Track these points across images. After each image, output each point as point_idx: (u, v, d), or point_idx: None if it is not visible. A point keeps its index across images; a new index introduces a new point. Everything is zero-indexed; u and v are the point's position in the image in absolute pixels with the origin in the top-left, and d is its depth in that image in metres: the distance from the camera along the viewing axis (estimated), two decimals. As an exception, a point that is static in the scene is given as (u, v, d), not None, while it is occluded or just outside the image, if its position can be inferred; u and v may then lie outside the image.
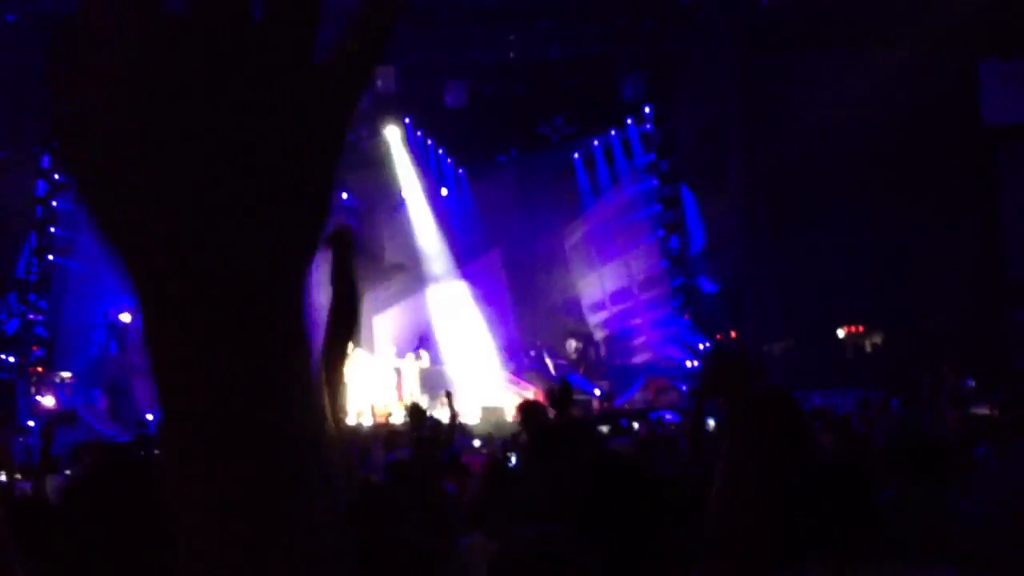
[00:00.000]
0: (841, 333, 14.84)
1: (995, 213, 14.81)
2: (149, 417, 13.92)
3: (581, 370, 17.73)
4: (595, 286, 19.30)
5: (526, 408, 5.74)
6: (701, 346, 15.99)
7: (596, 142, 18.77)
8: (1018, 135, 14.06)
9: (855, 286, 14.75)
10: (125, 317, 17.48)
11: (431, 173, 19.44)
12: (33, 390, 15.72)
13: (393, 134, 18.91)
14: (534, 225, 19.14)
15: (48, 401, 15.67)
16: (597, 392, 16.47)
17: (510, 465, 6.02)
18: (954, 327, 14.04)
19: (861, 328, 15.03)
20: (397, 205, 19.82)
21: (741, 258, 15.36)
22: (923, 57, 14.15)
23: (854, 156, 14.52)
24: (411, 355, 16.96)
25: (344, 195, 19.51)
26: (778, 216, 14.91)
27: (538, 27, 16.45)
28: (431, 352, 17.25)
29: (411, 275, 19.55)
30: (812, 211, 14.88)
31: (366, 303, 17.01)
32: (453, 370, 17.66)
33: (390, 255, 19.50)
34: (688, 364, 16.11)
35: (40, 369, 16.47)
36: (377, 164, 19.20)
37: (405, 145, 19.16)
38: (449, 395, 8.15)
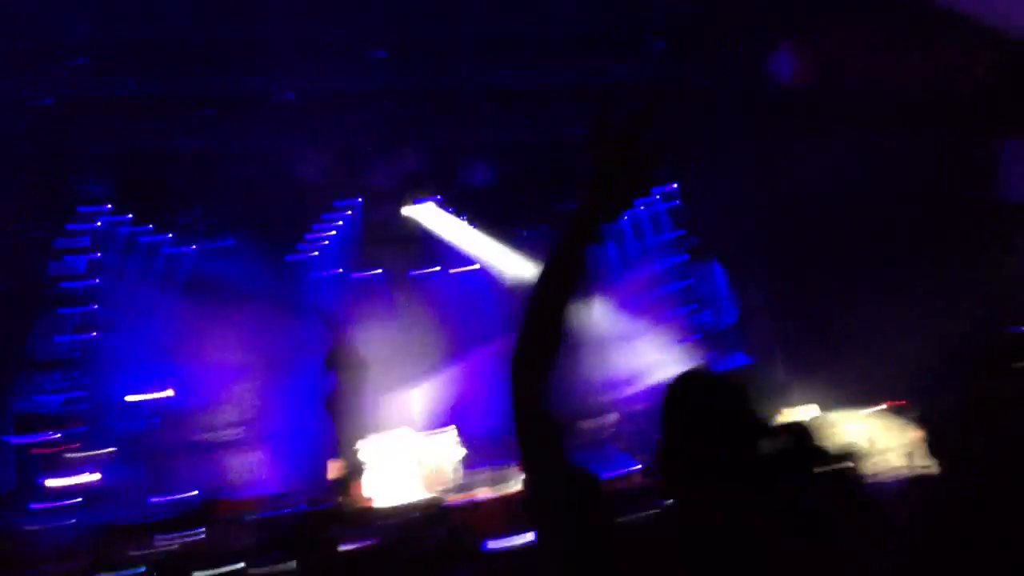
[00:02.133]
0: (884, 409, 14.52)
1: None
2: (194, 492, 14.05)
3: (620, 445, 17.56)
4: (627, 360, 19.20)
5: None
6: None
7: (623, 217, 18.82)
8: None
9: (883, 363, 14.48)
10: (168, 393, 17.80)
11: (459, 249, 19.63)
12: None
13: (424, 211, 19.19)
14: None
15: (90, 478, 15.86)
16: (639, 467, 16.28)
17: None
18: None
19: (906, 403, 14.71)
20: (427, 278, 20.05)
21: (768, 335, 15.23)
22: (943, 138, 14.07)
23: (874, 234, 14.41)
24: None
25: (379, 270, 19.91)
26: (803, 295, 14.78)
27: (561, 108, 16.68)
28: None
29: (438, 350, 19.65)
30: (836, 289, 14.73)
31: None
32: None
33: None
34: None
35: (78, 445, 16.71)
36: (409, 240, 19.50)
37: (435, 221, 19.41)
38: None
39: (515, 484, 14.79)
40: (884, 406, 14.73)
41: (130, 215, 18.10)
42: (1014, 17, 11.98)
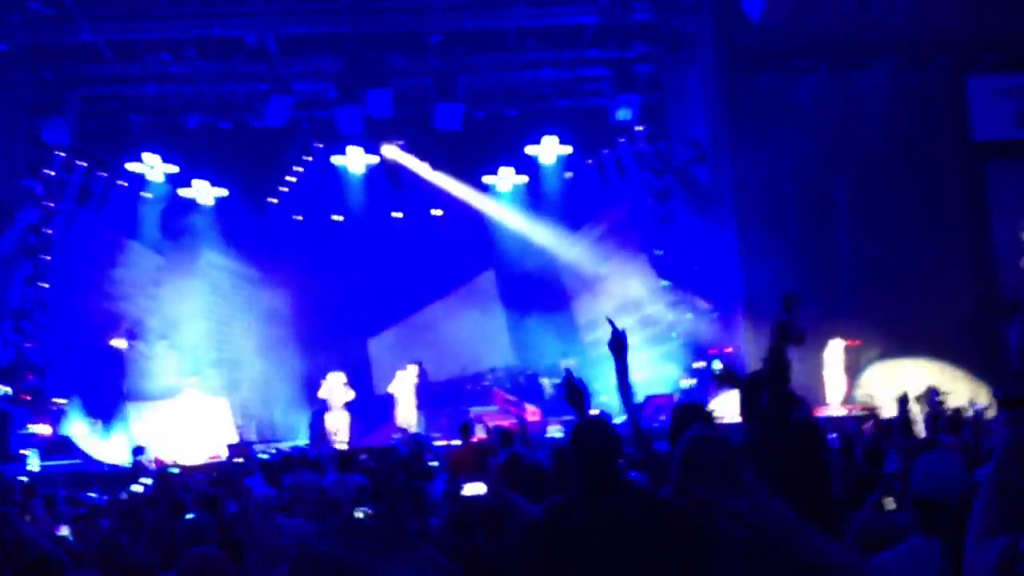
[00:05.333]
0: (838, 346, 14.80)
1: (985, 229, 14.85)
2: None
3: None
4: (590, 305, 19.27)
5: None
6: (695, 364, 15.99)
7: (589, 162, 18.83)
8: (1008, 151, 14.10)
9: (849, 303, 14.77)
10: (120, 343, 17.55)
11: (425, 194, 19.50)
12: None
13: (389, 155, 19.01)
14: (527, 246, 19.24)
15: (43, 430, 15.65)
16: (595, 412, 16.43)
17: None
18: (947, 343, 14.07)
19: (859, 342, 15.01)
20: (389, 223, 19.92)
21: (734, 277, 15.35)
22: (911, 76, 14.24)
23: (845, 175, 14.60)
24: (401, 373, 16.95)
25: (339, 217, 19.74)
26: (770, 235, 14.92)
27: (529, 51, 16.55)
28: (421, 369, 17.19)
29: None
30: (804, 229, 14.91)
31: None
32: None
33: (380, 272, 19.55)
34: (682, 383, 16.10)
35: (28, 397, 16.44)
36: (370, 187, 19.35)
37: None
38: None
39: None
40: (840, 344, 15.06)
41: (85, 163, 17.64)
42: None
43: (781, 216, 14.84)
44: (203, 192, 18.94)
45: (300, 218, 19.77)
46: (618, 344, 3.98)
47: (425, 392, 17.07)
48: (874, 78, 14.35)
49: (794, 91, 14.48)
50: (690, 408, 4.08)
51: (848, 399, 14.92)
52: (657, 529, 2.87)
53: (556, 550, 3.00)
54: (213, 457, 14.51)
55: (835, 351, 14.53)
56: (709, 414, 3.90)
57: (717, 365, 13.78)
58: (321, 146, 18.97)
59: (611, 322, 3.89)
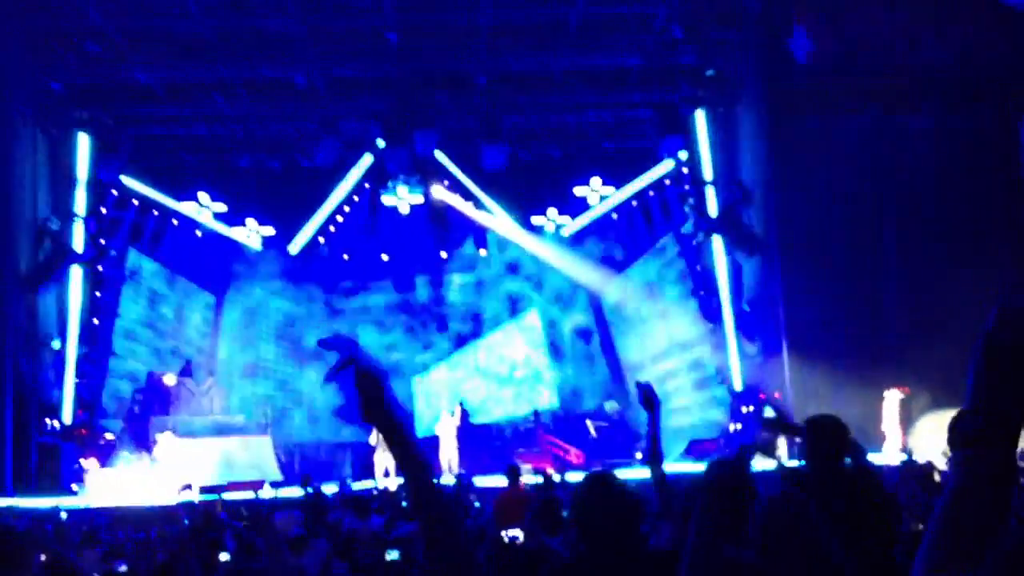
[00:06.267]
0: (894, 396, 14.50)
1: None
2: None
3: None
4: (635, 347, 19.15)
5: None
6: (744, 408, 15.76)
7: (635, 203, 18.80)
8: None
9: (897, 348, 14.48)
10: (170, 380, 17.73)
11: (471, 233, 19.60)
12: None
13: (435, 195, 19.13)
14: (573, 286, 19.23)
15: (92, 464, 15.77)
16: (639, 456, 16.25)
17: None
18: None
19: (907, 390, 14.70)
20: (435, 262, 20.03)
21: (779, 319, 15.14)
22: (959, 116, 14.07)
23: (892, 216, 14.39)
24: (445, 414, 16.91)
25: (385, 257, 19.89)
26: (815, 277, 14.72)
27: (574, 92, 16.61)
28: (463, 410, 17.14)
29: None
30: (850, 272, 14.68)
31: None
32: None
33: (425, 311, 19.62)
34: (731, 427, 15.87)
35: (84, 432, 16.59)
36: (416, 225, 19.49)
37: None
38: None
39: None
40: (891, 393, 14.74)
41: (138, 201, 17.96)
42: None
43: (827, 258, 14.62)
44: (252, 231, 19.21)
45: (347, 257, 19.92)
46: (649, 402, 3.94)
47: (467, 433, 16.99)
48: (922, 119, 14.19)
49: (841, 132, 14.33)
50: (724, 468, 3.97)
51: (904, 448, 14.59)
52: None
53: None
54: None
55: (892, 401, 14.22)
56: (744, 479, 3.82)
57: (769, 412, 13.55)
58: (368, 186, 19.15)
59: (639, 384, 3.86)
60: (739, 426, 15.77)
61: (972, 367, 1.33)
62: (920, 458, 11.67)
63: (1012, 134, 14.49)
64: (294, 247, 19.41)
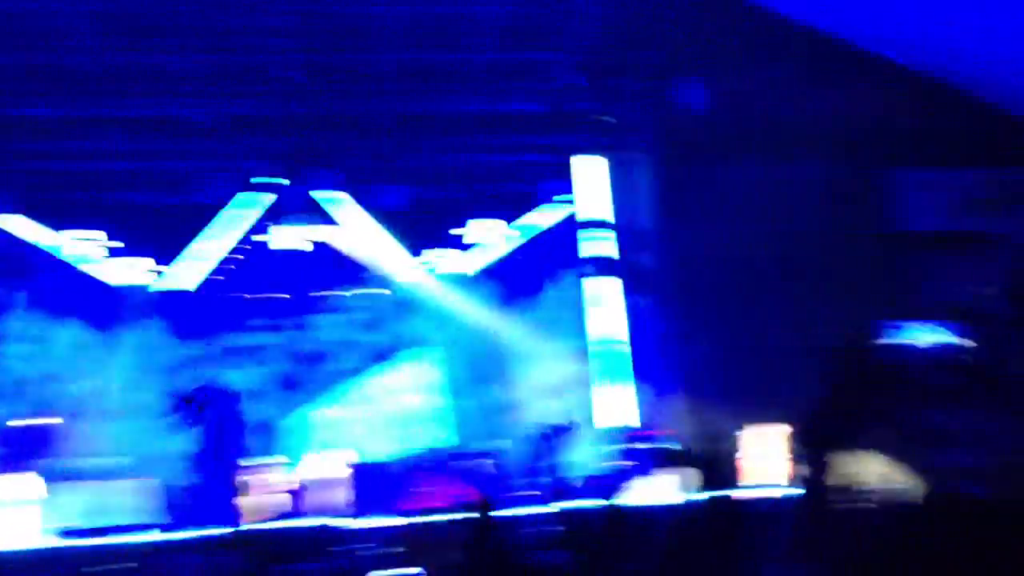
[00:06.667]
0: (780, 431, 15.13)
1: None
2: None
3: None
4: (524, 387, 19.44)
5: None
6: (635, 445, 16.23)
7: (530, 245, 19.26)
8: (931, 243, 14.84)
9: (784, 385, 15.18)
10: (50, 422, 17.28)
11: (366, 273, 19.70)
12: None
13: (331, 235, 19.19)
14: (467, 326, 19.51)
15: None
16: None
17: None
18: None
19: (792, 425, 15.37)
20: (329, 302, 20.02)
21: (674, 359, 15.71)
22: (840, 168, 14.98)
23: (776, 262, 15.11)
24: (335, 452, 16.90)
25: (280, 295, 19.83)
26: (707, 318, 15.35)
27: (475, 134, 17.02)
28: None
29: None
30: (738, 313, 15.35)
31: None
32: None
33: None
34: (621, 464, 16.32)
35: None
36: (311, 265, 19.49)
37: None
38: None
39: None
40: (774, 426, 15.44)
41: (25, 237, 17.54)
42: (909, 53, 12.89)
43: (717, 300, 15.31)
44: (143, 268, 18.90)
45: (244, 296, 19.74)
46: (558, 433, 4.32)
47: (359, 472, 16.96)
48: (804, 170, 15.06)
49: (730, 180, 15.10)
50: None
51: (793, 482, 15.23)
52: None
53: None
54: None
55: (777, 436, 14.86)
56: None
57: (662, 446, 14.07)
58: (265, 224, 19.08)
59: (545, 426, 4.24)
60: (630, 463, 16.23)
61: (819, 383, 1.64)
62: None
63: (878, 186, 15.54)
64: (185, 285, 19.17)
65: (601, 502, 7.37)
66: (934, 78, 13.84)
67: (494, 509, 5.88)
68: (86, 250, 18.24)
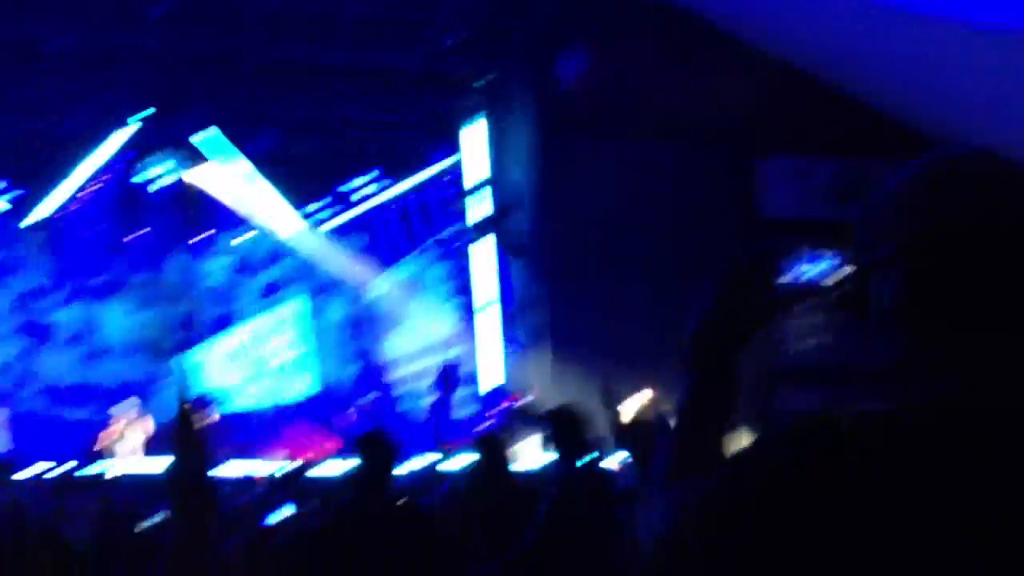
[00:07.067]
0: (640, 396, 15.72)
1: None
2: None
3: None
4: (396, 344, 19.54)
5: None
6: (499, 405, 16.66)
7: (404, 202, 19.28)
8: (792, 229, 15.58)
9: (650, 354, 15.77)
10: None
11: (233, 220, 19.35)
12: None
13: (196, 178, 18.71)
14: (338, 280, 19.46)
15: None
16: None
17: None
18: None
19: (655, 391, 16.01)
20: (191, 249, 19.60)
21: (543, 320, 16.02)
22: (703, 153, 15.56)
23: (640, 240, 15.57)
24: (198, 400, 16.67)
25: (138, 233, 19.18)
26: (577, 283, 15.75)
27: (350, 88, 16.84)
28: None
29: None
30: (607, 282, 15.83)
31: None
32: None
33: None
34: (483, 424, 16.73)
35: None
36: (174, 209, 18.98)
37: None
38: None
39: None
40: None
41: None
42: (776, 40, 13.41)
43: (587, 267, 15.71)
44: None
45: (99, 233, 19.09)
46: (447, 382, 4.65)
47: (225, 420, 16.85)
48: (669, 153, 15.57)
49: (600, 156, 15.48)
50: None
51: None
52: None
53: None
54: None
55: (640, 401, 15.47)
56: None
57: (528, 406, 14.48)
58: (125, 161, 18.43)
59: (447, 363, 4.58)
60: (490, 420, 16.65)
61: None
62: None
63: (747, 173, 16.23)
64: (34, 218, 18.42)
65: (475, 456, 7.74)
66: (802, 69, 14.48)
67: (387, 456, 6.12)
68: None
